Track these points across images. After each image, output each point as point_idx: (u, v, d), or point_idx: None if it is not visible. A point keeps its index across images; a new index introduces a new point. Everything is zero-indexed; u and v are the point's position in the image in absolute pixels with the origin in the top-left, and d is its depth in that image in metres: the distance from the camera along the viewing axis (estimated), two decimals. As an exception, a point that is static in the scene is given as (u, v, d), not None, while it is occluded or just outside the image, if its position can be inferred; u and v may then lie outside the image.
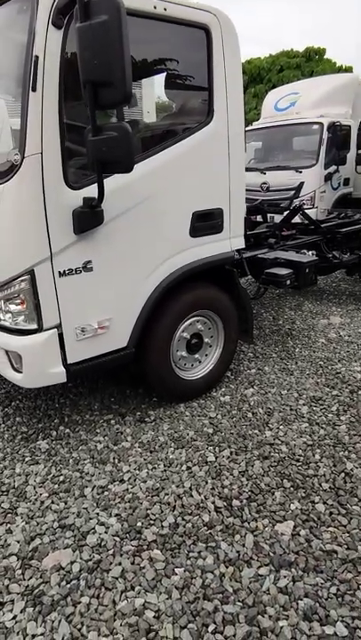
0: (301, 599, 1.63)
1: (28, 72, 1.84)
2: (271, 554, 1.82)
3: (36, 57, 1.82)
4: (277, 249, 3.96)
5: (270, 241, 4.00)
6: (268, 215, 4.90)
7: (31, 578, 1.75)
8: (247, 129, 6.92)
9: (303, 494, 2.13)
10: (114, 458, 2.43)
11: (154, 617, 1.58)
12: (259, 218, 4.89)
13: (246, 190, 2.92)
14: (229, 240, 2.84)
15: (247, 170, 2.96)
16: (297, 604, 1.62)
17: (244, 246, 2.98)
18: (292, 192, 5.40)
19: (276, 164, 6.95)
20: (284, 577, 1.72)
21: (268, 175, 6.64)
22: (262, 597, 1.65)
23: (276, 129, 6.98)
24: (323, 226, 4.57)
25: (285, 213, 4.66)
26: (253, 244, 3.90)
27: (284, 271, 3.63)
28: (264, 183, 6.57)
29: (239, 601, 1.64)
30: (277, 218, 4.85)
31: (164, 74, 2.72)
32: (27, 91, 1.86)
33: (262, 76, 19.38)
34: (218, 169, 2.66)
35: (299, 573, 1.73)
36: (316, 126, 6.42)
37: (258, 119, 8.11)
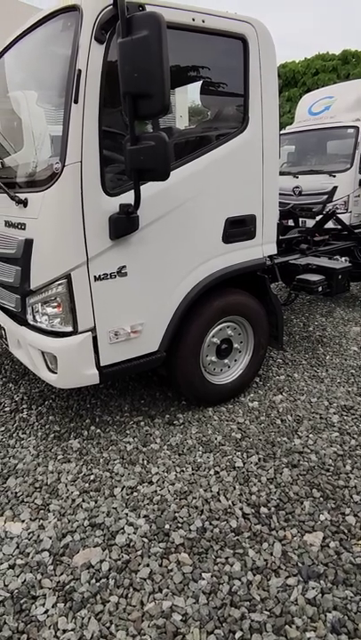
0: (330, 612, 1.62)
1: (71, 85, 1.91)
2: (300, 564, 1.81)
3: (79, 70, 1.89)
4: (309, 255, 3.92)
5: (302, 246, 3.97)
6: (300, 220, 4.86)
7: (62, 574, 1.80)
8: (280, 133, 6.88)
9: (333, 505, 2.10)
10: (143, 459, 2.47)
11: (181, 620, 1.61)
12: (290, 222, 4.86)
13: (278, 195, 2.91)
14: (262, 246, 2.84)
15: (280, 174, 2.95)
16: (325, 616, 1.61)
17: (276, 253, 2.97)
18: (326, 196, 5.33)
19: (309, 167, 6.86)
20: (313, 588, 1.71)
21: (300, 179, 6.57)
22: (290, 608, 1.64)
23: (309, 132, 6.90)
24: (356, 231, 4.50)
25: (318, 218, 4.61)
26: (285, 249, 3.88)
27: (315, 277, 3.60)
28: (296, 187, 6.50)
29: (266, 610, 1.64)
30: (310, 222, 4.80)
31: (200, 82, 2.75)
32: (69, 102, 1.93)
33: (297, 80, 19.17)
34: (251, 176, 2.66)
35: (328, 585, 1.72)
36: (351, 130, 6.31)
37: (291, 123, 8.03)
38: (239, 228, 2.67)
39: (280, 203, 3.04)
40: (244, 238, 2.72)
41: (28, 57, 2.49)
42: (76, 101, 1.91)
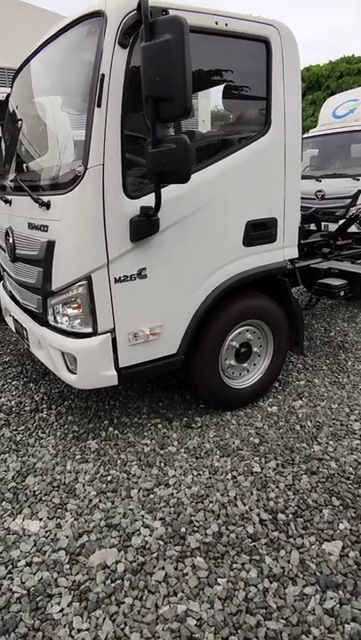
0: (348, 623, 1.58)
1: (94, 89, 1.93)
2: (318, 573, 1.78)
3: (102, 75, 1.91)
4: (331, 259, 3.87)
5: (324, 250, 3.92)
6: (323, 224, 4.80)
7: (78, 573, 1.81)
8: (304, 136, 6.82)
9: (353, 514, 2.06)
10: (160, 461, 2.46)
11: (196, 625, 1.59)
12: (312, 226, 4.80)
13: (300, 198, 2.89)
14: (282, 250, 2.81)
15: (302, 178, 2.92)
16: (343, 627, 1.57)
17: (297, 256, 2.94)
18: (349, 200, 5.25)
19: (332, 171, 6.78)
20: (331, 598, 1.67)
21: (323, 183, 6.49)
22: (307, 617, 1.61)
23: (333, 136, 6.82)
24: (381, 235, 4.41)
25: (341, 222, 4.54)
26: (306, 253, 3.84)
27: (337, 282, 3.54)
28: (319, 191, 6.43)
29: (283, 618, 1.61)
30: (332, 227, 4.74)
31: (223, 85, 2.75)
32: (92, 106, 1.95)
33: (321, 83, 18.99)
34: (273, 179, 2.65)
35: (346, 596, 1.68)
36: (376, 133, 6.22)
37: (315, 126, 7.96)
38: (260, 231, 2.65)
39: (302, 207, 3.02)
40: (264, 241, 2.70)
41: (53, 63, 2.54)
42: (99, 105, 1.94)
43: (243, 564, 1.82)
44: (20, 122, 2.89)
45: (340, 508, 2.10)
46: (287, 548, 1.90)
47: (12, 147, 2.98)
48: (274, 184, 2.66)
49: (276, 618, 1.61)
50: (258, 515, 2.07)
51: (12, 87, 3.08)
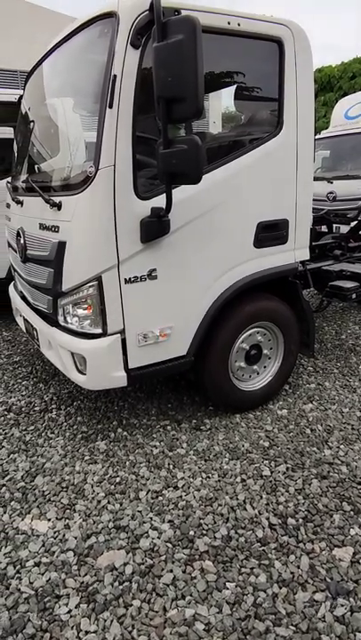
0: (360, 631, 1.55)
1: (106, 90, 1.94)
2: (328, 579, 1.75)
3: (114, 76, 1.92)
4: (343, 261, 3.83)
5: (336, 252, 3.88)
6: (334, 225, 4.75)
7: (86, 575, 1.81)
8: (316, 138, 6.78)
9: (364, 520, 2.02)
10: (169, 464, 2.45)
11: (204, 629, 1.57)
12: (324, 228, 4.76)
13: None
14: (294, 251, 2.79)
15: (314, 179, 2.90)
16: (355, 635, 1.54)
17: (308, 258, 2.92)
18: (361, 202, 5.20)
19: (344, 173, 6.72)
20: (342, 606, 1.64)
21: (335, 184, 6.44)
22: (317, 624, 1.58)
23: (345, 137, 6.77)
24: (394, 238, 4.35)
25: (353, 224, 4.49)
26: (318, 255, 3.80)
27: (349, 284, 3.51)
28: (331, 192, 6.38)
29: (292, 625, 1.58)
30: (344, 228, 4.69)
31: (235, 86, 2.74)
32: (103, 107, 1.95)
33: (333, 84, 18.87)
34: (285, 180, 2.63)
35: (358, 604, 1.65)
36: (389, 134, 6.16)
37: (327, 127, 7.91)
38: (271, 233, 2.63)
39: (313, 208, 2.99)
40: (276, 243, 2.68)
41: (66, 65, 2.55)
42: (110, 106, 1.94)
43: (252, 569, 1.80)
44: (31, 123, 2.91)
45: (351, 513, 2.07)
46: (297, 553, 1.87)
47: (23, 148, 3.00)
48: (285, 185, 2.64)
49: (285, 624, 1.59)
50: (267, 519, 2.05)
51: (24, 89, 3.10)
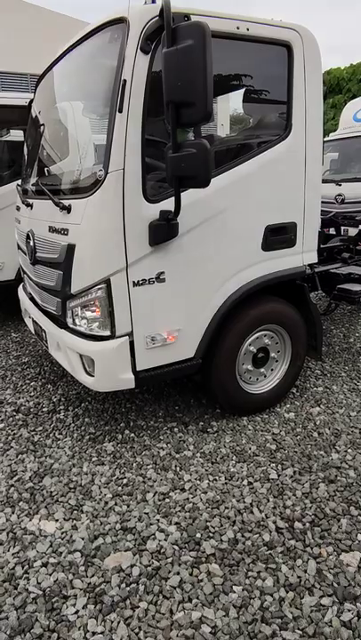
0: (367, 637, 1.54)
1: (116, 94, 1.95)
2: (335, 584, 1.74)
3: (124, 80, 1.94)
4: (351, 264, 3.82)
5: (344, 255, 3.87)
6: (342, 228, 4.74)
7: (93, 576, 1.82)
8: (324, 140, 6.77)
9: (372, 525, 2.02)
10: (176, 466, 2.46)
11: (210, 633, 1.58)
12: (332, 230, 4.75)
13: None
14: (302, 254, 2.79)
15: (322, 181, 2.89)
16: (362, 641, 1.53)
17: (316, 261, 2.91)
18: (370, 204, 5.18)
19: (352, 175, 6.69)
20: (349, 610, 1.64)
21: (343, 187, 6.41)
22: (324, 629, 1.58)
23: (354, 139, 6.74)
24: None
25: (361, 227, 4.48)
26: (326, 258, 3.80)
27: (357, 287, 3.50)
28: (339, 195, 6.35)
29: (299, 629, 1.58)
30: (352, 231, 4.68)
31: (244, 89, 2.75)
32: (113, 112, 1.97)
33: (341, 87, 18.81)
34: (293, 183, 2.63)
35: (365, 609, 1.64)
36: None
37: (336, 130, 7.89)
38: (279, 236, 2.64)
39: (321, 211, 2.99)
40: (284, 246, 2.68)
41: (76, 69, 2.58)
42: (120, 110, 1.96)
43: (258, 573, 1.80)
44: (42, 127, 2.93)
45: (359, 518, 2.06)
46: (304, 557, 1.87)
47: (33, 151, 3.03)
48: (294, 189, 2.64)
49: (292, 628, 1.58)
50: (274, 522, 2.05)
51: (34, 93, 3.14)
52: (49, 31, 10.06)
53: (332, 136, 7.43)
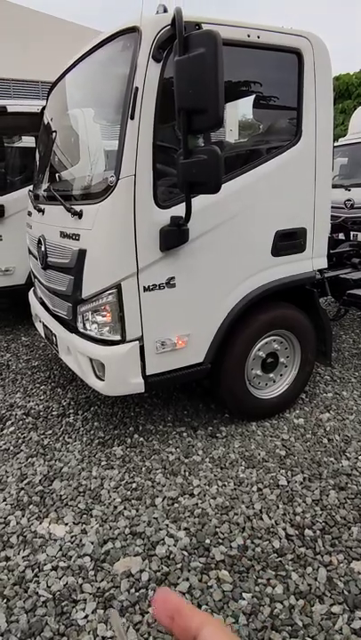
0: (378, 646, 1.53)
1: (128, 102, 1.98)
2: (346, 592, 1.73)
3: (136, 88, 1.96)
4: (361, 269, 3.80)
5: (354, 260, 3.85)
6: (352, 233, 4.72)
7: (102, 580, 1.82)
8: (333, 145, 6.77)
9: (383, 533, 2.00)
10: (185, 470, 2.46)
11: (220, 638, 1.57)
12: (341, 236, 4.73)
13: (330, 208, 2.85)
14: (311, 260, 2.79)
15: (332, 187, 2.89)
16: (373, 650, 1.52)
17: (326, 266, 2.91)
18: (380, 210, 5.15)
19: (362, 180, 6.67)
20: (360, 619, 1.62)
21: (352, 192, 6.40)
22: (334, 637, 1.56)
23: (363, 144, 6.73)
24: None
25: (371, 232, 4.46)
26: (335, 263, 3.79)
27: (367, 293, 3.48)
28: (348, 200, 6.34)
29: (309, 636, 1.57)
30: (362, 237, 4.65)
31: (254, 96, 2.76)
32: (125, 119, 2.00)
33: (351, 92, 18.80)
34: (303, 189, 2.63)
35: (376, 618, 1.62)
36: None
37: (345, 135, 7.88)
38: (289, 242, 2.64)
39: (331, 216, 2.98)
40: (293, 251, 2.68)
41: (89, 77, 2.61)
42: (132, 117, 1.98)
43: (268, 580, 1.79)
44: (54, 133, 2.97)
45: (370, 525, 2.04)
46: (314, 565, 1.85)
47: (45, 157, 3.07)
48: (304, 194, 2.64)
49: (302, 636, 1.57)
50: (284, 529, 2.04)
51: (47, 100, 3.18)
52: (60, 39, 10.20)
53: (341, 141, 7.42)
